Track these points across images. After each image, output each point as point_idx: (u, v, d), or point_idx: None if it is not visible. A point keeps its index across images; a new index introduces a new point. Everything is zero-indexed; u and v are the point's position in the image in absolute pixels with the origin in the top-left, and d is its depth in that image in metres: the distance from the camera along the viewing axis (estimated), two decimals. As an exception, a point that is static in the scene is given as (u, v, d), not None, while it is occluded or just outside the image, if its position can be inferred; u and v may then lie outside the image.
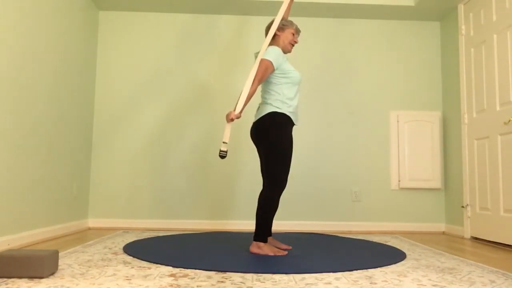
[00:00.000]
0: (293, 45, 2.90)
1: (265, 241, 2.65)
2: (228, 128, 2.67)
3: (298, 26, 3.05)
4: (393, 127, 4.28)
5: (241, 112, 2.64)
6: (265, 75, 2.68)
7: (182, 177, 4.15)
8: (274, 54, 2.71)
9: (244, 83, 4.21)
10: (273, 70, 2.71)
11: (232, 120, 2.61)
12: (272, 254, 2.58)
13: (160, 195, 4.13)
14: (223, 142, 2.65)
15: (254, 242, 2.64)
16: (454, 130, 4.08)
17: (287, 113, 2.71)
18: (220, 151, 2.65)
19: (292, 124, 2.77)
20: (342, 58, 4.36)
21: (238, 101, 2.68)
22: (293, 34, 2.87)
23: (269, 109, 2.70)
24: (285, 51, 2.87)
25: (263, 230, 2.65)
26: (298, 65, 4.00)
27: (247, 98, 2.65)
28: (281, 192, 2.71)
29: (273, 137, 2.67)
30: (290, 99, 2.74)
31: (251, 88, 2.64)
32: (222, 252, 2.64)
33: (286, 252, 2.65)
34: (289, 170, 2.72)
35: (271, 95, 2.74)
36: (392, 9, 4.15)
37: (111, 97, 4.22)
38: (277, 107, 2.70)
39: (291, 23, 2.89)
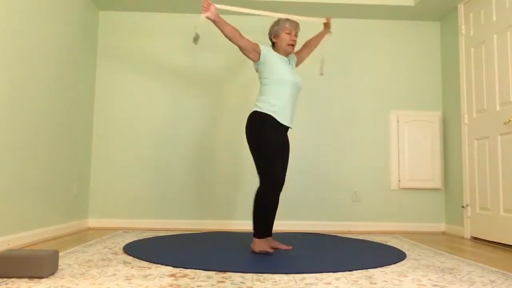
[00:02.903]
0: (292, 45, 2.83)
1: (262, 237, 2.66)
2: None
3: (295, 22, 2.89)
4: (393, 127, 4.28)
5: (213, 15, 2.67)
6: (247, 44, 2.71)
7: (182, 177, 4.15)
8: (266, 47, 2.78)
9: (243, 85, 4.22)
10: (255, 53, 2.74)
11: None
12: (270, 250, 2.60)
13: (160, 195, 4.13)
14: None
15: (253, 240, 2.67)
16: (454, 130, 4.08)
17: (269, 113, 2.69)
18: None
19: (279, 124, 2.72)
20: (342, 58, 4.36)
21: None
22: (288, 34, 2.82)
23: (253, 108, 2.75)
24: (284, 52, 2.85)
25: (258, 227, 2.66)
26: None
27: (222, 25, 2.68)
28: (276, 189, 2.67)
29: (252, 136, 2.70)
30: (275, 99, 2.70)
31: (229, 29, 2.68)
32: (222, 252, 2.64)
33: (288, 247, 2.69)
34: (277, 166, 2.68)
35: (258, 95, 2.79)
36: (392, 9, 4.15)
37: (111, 97, 4.22)
38: (259, 107, 2.72)
39: (283, 23, 2.83)
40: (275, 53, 2.82)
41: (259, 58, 2.76)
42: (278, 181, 2.68)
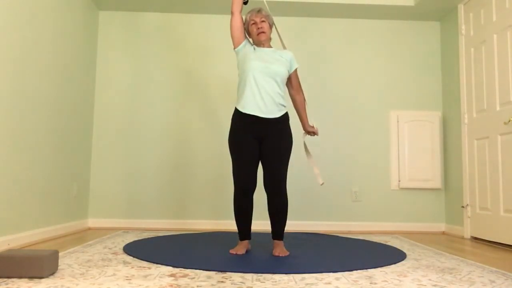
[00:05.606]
0: (262, 32, 2.64)
1: (240, 239, 2.69)
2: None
3: (255, 9, 2.73)
4: (393, 127, 4.27)
5: None
6: (237, 25, 2.65)
7: (182, 176, 4.15)
8: (249, 43, 2.72)
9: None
10: (238, 37, 2.66)
11: None
12: (240, 253, 2.59)
13: (159, 195, 4.13)
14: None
15: None
16: (454, 130, 4.08)
17: (237, 107, 2.63)
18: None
19: (244, 115, 2.57)
20: (342, 57, 4.36)
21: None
22: (254, 24, 2.67)
23: None
24: (259, 43, 2.68)
25: (238, 229, 2.69)
26: (299, 65, 4.00)
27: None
28: (239, 192, 2.60)
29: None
30: (241, 89, 2.63)
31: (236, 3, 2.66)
32: (222, 252, 2.64)
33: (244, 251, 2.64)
34: (240, 169, 2.58)
35: None
36: (392, 9, 4.15)
37: (111, 97, 4.22)
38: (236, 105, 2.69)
39: (246, 17, 2.73)
40: (253, 47, 2.69)
41: (238, 46, 2.68)
42: (241, 183, 2.59)
